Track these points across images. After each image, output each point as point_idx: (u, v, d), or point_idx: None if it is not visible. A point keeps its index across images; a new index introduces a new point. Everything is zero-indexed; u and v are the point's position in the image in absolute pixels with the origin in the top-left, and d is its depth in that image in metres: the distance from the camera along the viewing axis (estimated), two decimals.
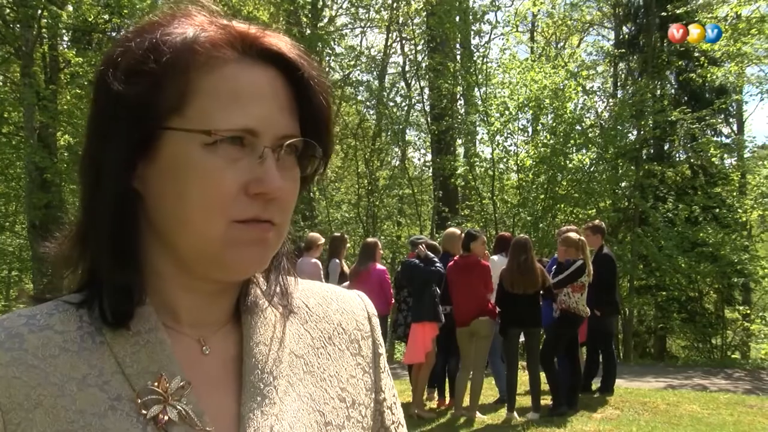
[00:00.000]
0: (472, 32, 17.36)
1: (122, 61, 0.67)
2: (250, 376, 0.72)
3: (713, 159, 15.77)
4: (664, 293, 16.27)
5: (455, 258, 7.08)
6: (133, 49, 0.67)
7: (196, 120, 0.66)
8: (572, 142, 14.78)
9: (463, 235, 7.35)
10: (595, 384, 7.98)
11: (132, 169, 0.68)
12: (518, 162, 15.30)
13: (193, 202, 0.66)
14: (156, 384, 0.67)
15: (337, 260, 7.91)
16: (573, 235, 6.92)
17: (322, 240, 8.12)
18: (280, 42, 0.71)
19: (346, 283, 6.99)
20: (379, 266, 7.41)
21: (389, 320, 7.95)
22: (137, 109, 0.66)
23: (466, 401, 7.01)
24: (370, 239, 8.26)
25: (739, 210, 15.43)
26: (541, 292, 6.74)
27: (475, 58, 16.95)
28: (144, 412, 0.66)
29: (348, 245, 8.54)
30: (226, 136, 0.66)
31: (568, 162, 14.71)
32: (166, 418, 0.66)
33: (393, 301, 7.59)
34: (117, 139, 0.67)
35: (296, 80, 0.70)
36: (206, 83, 0.66)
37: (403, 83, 20.56)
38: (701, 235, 14.43)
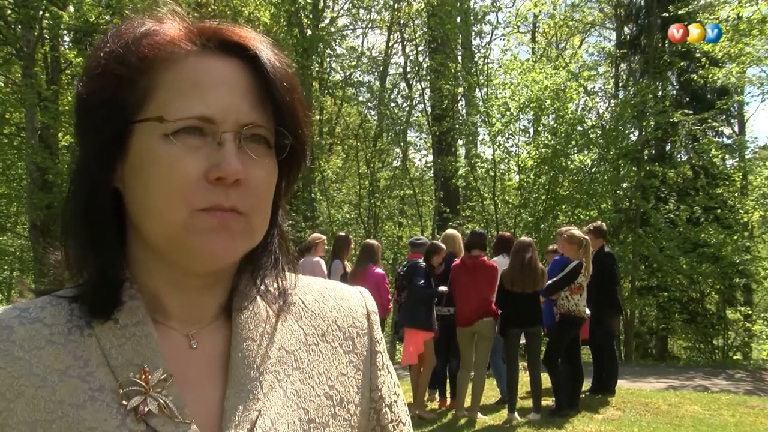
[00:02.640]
0: (473, 33, 17.37)
1: (87, 65, 0.71)
2: (236, 371, 0.73)
3: (715, 160, 15.75)
4: (665, 294, 16.27)
5: (461, 258, 7.08)
6: (95, 53, 0.71)
7: (155, 112, 0.68)
8: (573, 142, 14.77)
9: (467, 235, 7.35)
10: (588, 384, 7.92)
11: (111, 170, 0.70)
12: (519, 163, 15.30)
13: (156, 190, 0.67)
14: (139, 376, 0.68)
15: (339, 261, 7.86)
16: (578, 232, 6.89)
17: (323, 238, 8.03)
18: (241, 32, 0.71)
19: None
20: (378, 270, 7.35)
21: (388, 322, 7.92)
22: (102, 109, 0.69)
23: (468, 402, 7.01)
24: (370, 241, 8.17)
25: (741, 211, 15.41)
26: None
27: (476, 59, 16.97)
28: (125, 402, 0.67)
29: (352, 246, 8.42)
30: (182, 125, 0.67)
31: (569, 163, 14.70)
32: (146, 409, 0.67)
33: (390, 305, 7.54)
34: (89, 139, 0.71)
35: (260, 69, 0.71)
36: (167, 77, 0.68)
37: (404, 84, 20.57)
38: (703, 235, 14.41)
